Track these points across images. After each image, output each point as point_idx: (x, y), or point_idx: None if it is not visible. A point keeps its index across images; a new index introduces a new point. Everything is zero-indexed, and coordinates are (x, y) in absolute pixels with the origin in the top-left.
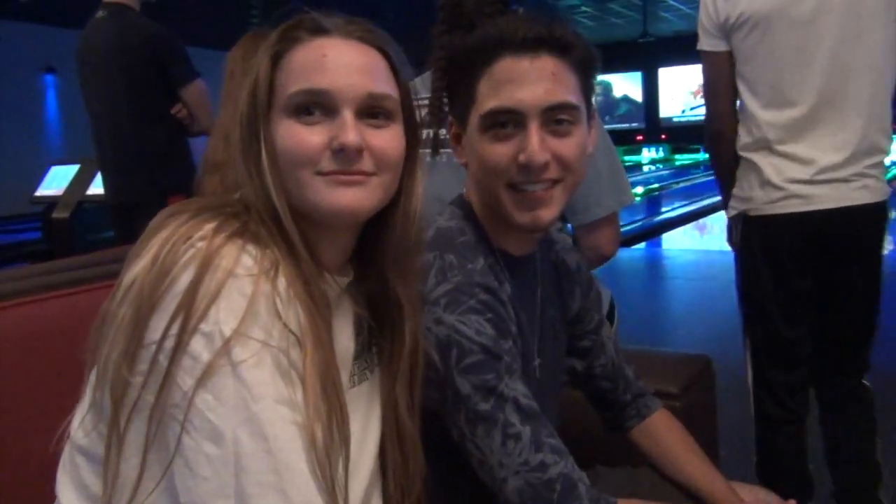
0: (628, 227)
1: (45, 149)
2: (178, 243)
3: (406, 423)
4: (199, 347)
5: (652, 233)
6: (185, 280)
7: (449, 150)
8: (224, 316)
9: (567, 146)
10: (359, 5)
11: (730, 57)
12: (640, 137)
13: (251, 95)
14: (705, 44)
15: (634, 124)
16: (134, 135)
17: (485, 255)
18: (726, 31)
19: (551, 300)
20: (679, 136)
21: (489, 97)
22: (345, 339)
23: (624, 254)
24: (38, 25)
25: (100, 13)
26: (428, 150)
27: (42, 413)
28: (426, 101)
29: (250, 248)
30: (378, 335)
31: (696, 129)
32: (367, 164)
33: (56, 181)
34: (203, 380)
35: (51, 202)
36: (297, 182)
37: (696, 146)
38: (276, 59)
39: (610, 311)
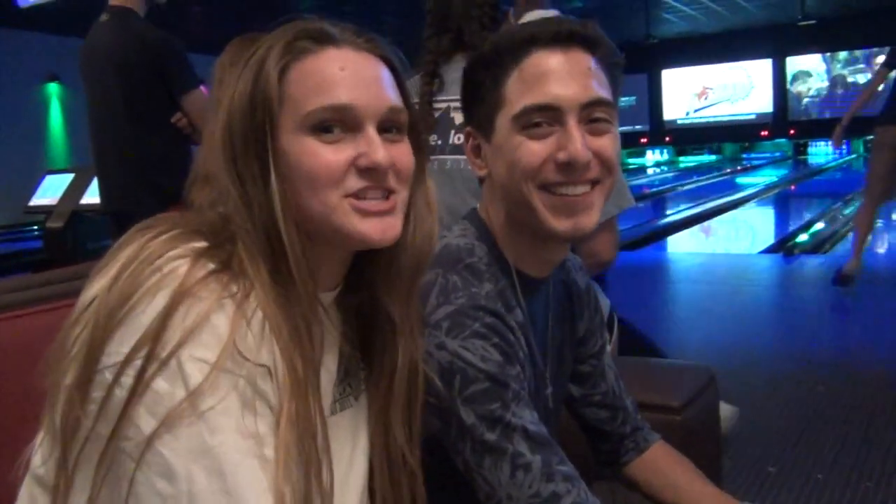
0: (632, 231)
1: (48, 158)
2: (143, 263)
3: (396, 452)
4: (164, 387)
5: (656, 236)
6: (152, 308)
7: (439, 157)
8: (193, 352)
9: (606, 144)
10: (359, 7)
11: None
12: (644, 140)
13: (249, 113)
14: None
15: (638, 126)
16: (132, 141)
17: (496, 278)
18: None
19: (561, 323)
20: (683, 138)
21: (521, 95)
22: (328, 362)
23: (628, 257)
24: (41, 34)
25: (103, 16)
26: None
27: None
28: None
29: (233, 286)
30: (366, 356)
31: (701, 132)
32: (391, 180)
33: (51, 190)
34: (165, 422)
35: (45, 211)
36: (322, 206)
37: (700, 148)
38: (282, 71)
39: (608, 321)
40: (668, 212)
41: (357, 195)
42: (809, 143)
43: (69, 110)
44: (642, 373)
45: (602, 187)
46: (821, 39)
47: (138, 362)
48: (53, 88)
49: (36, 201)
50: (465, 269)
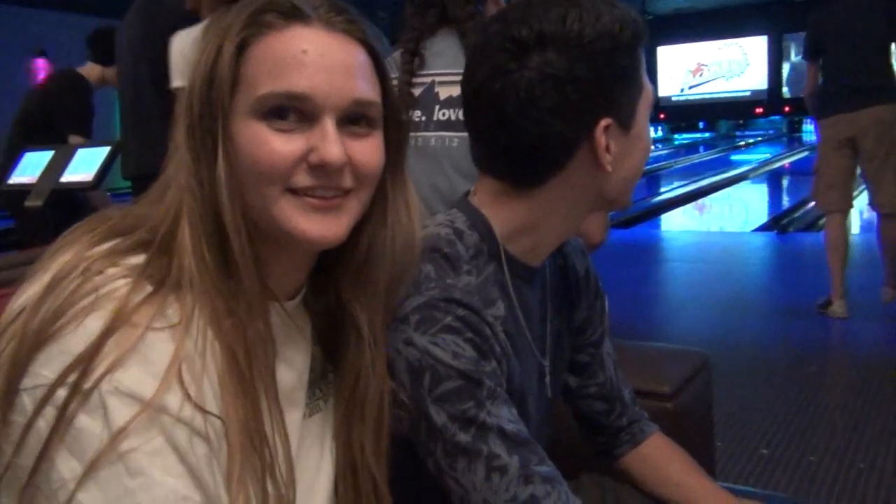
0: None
1: None
2: (79, 277)
3: (359, 461)
4: (86, 424)
5: (649, 214)
6: (83, 331)
7: (423, 134)
8: (120, 385)
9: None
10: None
11: None
12: None
13: (206, 88)
14: None
15: None
16: (155, 110)
17: (480, 269)
18: None
19: (558, 311)
20: (678, 115)
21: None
22: (297, 363)
23: (621, 235)
24: (29, 8)
25: None
26: None
27: None
28: (395, 83)
29: (173, 314)
30: (332, 359)
31: (695, 109)
32: (346, 179)
33: (30, 168)
34: (91, 468)
35: (24, 190)
36: (261, 198)
37: (695, 126)
38: (242, 47)
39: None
40: (662, 189)
41: (303, 192)
42: (804, 119)
43: None
44: (632, 357)
45: None
46: None
47: (62, 393)
48: (41, 64)
49: (15, 179)
50: (442, 259)
